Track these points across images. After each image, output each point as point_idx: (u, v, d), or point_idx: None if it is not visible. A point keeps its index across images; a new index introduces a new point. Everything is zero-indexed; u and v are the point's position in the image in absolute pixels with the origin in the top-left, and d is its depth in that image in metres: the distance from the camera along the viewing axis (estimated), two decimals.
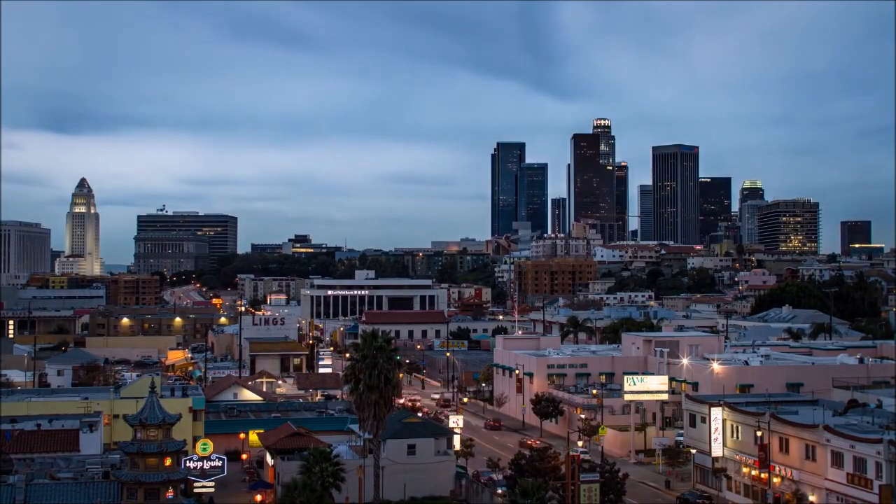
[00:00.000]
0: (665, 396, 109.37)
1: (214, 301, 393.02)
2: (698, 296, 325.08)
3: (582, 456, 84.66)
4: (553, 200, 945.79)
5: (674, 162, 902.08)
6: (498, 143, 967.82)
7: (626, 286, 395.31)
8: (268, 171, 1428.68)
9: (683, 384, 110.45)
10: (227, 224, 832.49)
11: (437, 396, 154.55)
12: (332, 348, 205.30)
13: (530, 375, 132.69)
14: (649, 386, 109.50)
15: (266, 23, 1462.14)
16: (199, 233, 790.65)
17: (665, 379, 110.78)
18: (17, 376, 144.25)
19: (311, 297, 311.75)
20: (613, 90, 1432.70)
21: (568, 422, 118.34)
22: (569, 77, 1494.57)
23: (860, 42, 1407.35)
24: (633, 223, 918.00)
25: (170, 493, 59.93)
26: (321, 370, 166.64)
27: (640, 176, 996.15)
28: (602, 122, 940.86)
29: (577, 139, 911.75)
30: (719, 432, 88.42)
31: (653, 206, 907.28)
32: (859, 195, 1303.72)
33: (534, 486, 71.16)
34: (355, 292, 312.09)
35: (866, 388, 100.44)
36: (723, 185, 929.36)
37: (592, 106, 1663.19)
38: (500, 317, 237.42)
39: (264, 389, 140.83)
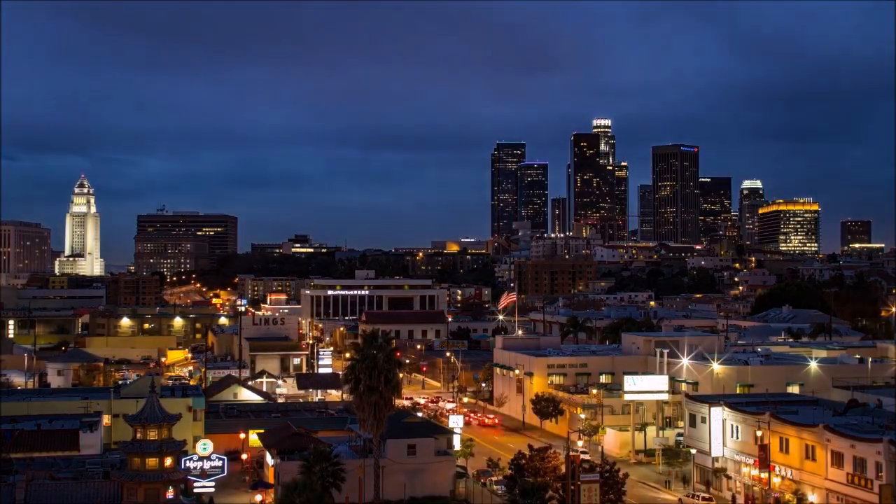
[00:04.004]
0: (665, 396, 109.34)
1: (214, 301, 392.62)
2: (698, 296, 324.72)
3: (582, 456, 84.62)
4: (553, 200, 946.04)
5: (674, 162, 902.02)
6: (498, 143, 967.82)
7: (626, 286, 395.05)
8: (268, 170, 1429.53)
9: (683, 384, 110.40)
10: (227, 224, 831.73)
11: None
12: (332, 348, 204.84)
13: (530, 375, 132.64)
14: (649, 386, 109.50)
15: (269, 23, 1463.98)
16: (199, 233, 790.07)
17: (665, 379, 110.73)
18: (18, 376, 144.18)
19: (311, 297, 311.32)
20: (614, 90, 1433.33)
21: (568, 422, 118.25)
22: (570, 77, 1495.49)
23: (860, 41, 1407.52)
24: (633, 223, 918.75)
25: (170, 493, 59.94)
26: (321, 370, 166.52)
27: (640, 176, 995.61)
28: (602, 122, 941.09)
29: (577, 139, 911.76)
30: (719, 432, 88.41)
31: (653, 206, 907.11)
32: (859, 195, 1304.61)
33: (534, 486, 71.28)
34: (355, 292, 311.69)
35: (866, 388, 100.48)
36: (723, 185, 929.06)
37: (593, 105, 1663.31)
38: (500, 317, 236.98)
39: (264, 389, 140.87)
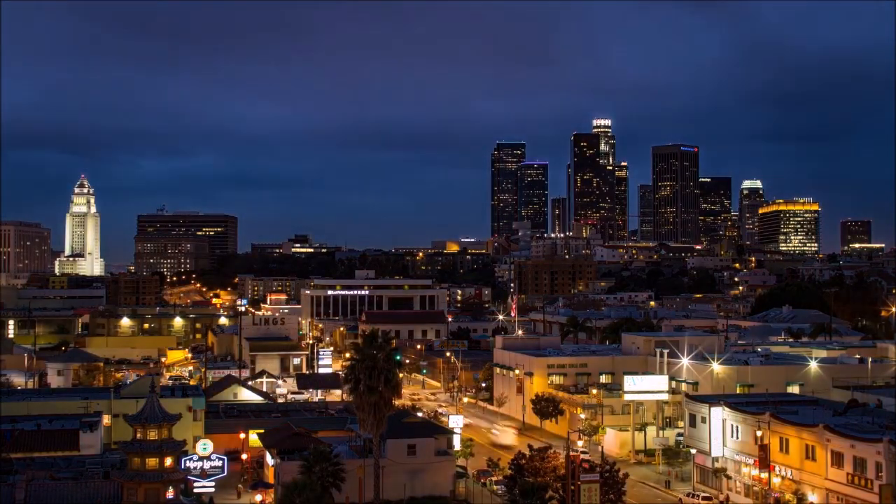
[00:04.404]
0: (665, 396, 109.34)
1: (214, 301, 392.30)
2: (698, 296, 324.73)
3: (582, 456, 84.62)
4: (553, 200, 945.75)
5: (674, 162, 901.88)
6: (498, 143, 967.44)
7: (626, 286, 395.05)
8: (268, 170, 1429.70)
9: (683, 384, 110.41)
10: (227, 224, 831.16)
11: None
12: (332, 348, 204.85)
13: (530, 375, 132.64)
14: (649, 386, 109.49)
15: (270, 22, 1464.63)
16: (199, 233, 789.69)
17: (665, 379, 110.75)
18: (18, 376, 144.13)
19: (311, 297, 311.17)
20: (614, 90, 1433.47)
21: (568, 422, 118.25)
22: (570, 76, 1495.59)
23: (860, 41, 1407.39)
24: (633, 223, 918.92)
25: (170, 493, 59.92)
26: (321, 370, 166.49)
27: (640, 176, 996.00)
28: (602, 122, 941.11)
29: (577, 139, 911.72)
30: (719, 432, 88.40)
31: (653, 206, 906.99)
32: (859, 195, 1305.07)
33: (534, 486, 71.24)
34: (355, 292, 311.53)
35: (866, 388, 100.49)
36: (723, 185, 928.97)
37: (593, 105, 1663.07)
38: (500, 316, 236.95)
39: (264, 389, 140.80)
